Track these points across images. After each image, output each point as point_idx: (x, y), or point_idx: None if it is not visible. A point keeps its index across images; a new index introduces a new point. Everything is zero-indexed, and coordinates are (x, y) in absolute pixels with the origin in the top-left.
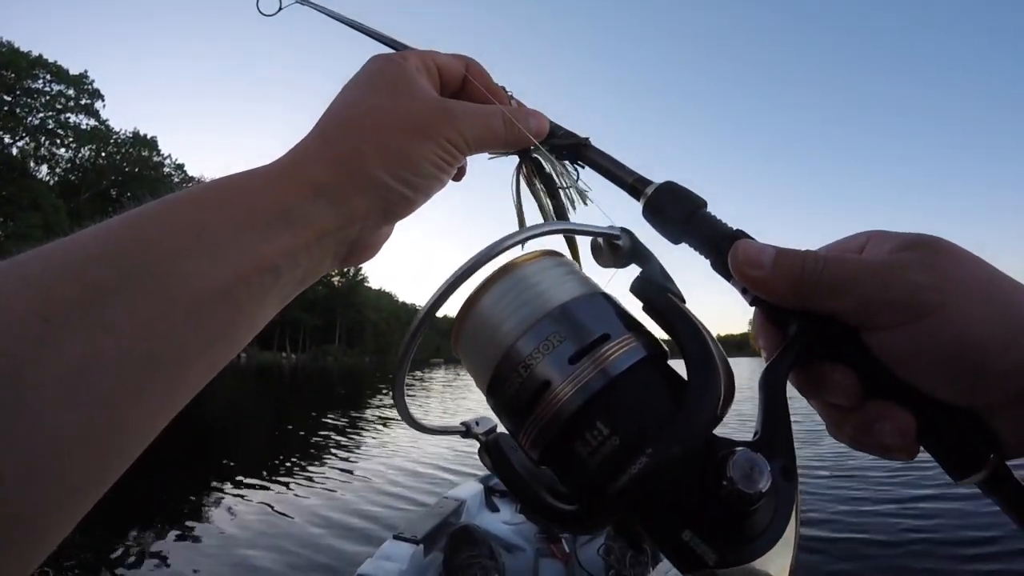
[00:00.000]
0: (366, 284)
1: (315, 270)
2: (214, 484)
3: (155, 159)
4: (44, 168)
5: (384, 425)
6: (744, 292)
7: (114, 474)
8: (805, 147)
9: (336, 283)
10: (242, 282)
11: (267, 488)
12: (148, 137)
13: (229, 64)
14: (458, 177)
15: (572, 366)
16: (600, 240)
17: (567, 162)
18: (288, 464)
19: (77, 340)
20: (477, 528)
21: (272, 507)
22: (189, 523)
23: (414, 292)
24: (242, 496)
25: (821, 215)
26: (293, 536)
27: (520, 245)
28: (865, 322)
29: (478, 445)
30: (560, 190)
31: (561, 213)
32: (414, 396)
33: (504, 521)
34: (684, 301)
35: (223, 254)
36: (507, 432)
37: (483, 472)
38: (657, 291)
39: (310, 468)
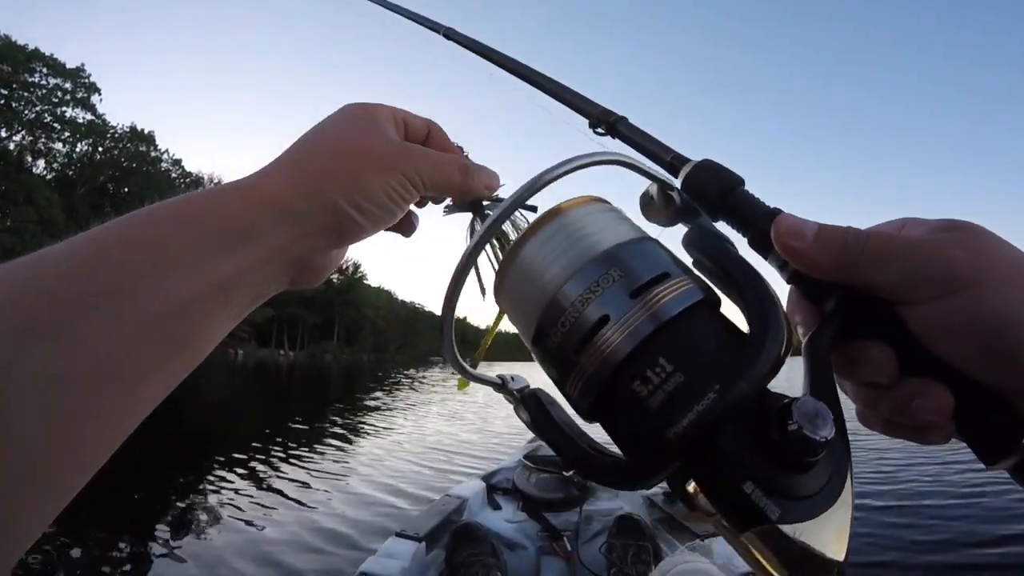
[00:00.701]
0: (365, 281)
1: (267, 288)
2: (212, 483)
3: (152, 154)
4: (41, 163)
5: (384, 424)
6: (782, 268)
7: (81, 480)
8: (839, 129)
9: (335, 280)
10: (199, 300)
11: (267, 487)
12: (145, 132)
13: (228, 58)
14: (408, 232)
15: (633, 300)
16: (653, 193)
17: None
18: (288, 463)
19: (50, 353)
20: (479, 526)
21: (273, 506)
22: (188, 521)
23: (413, 290)
24: (240, 496)
25: (853, 202)
26: (295, 535)
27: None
28: (903, 296)
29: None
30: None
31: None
32: (410, 396)
33: (506, 519)
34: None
35: (183, 272)
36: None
37: (485, 470)
38: (717, 239)
39: (311, 467)
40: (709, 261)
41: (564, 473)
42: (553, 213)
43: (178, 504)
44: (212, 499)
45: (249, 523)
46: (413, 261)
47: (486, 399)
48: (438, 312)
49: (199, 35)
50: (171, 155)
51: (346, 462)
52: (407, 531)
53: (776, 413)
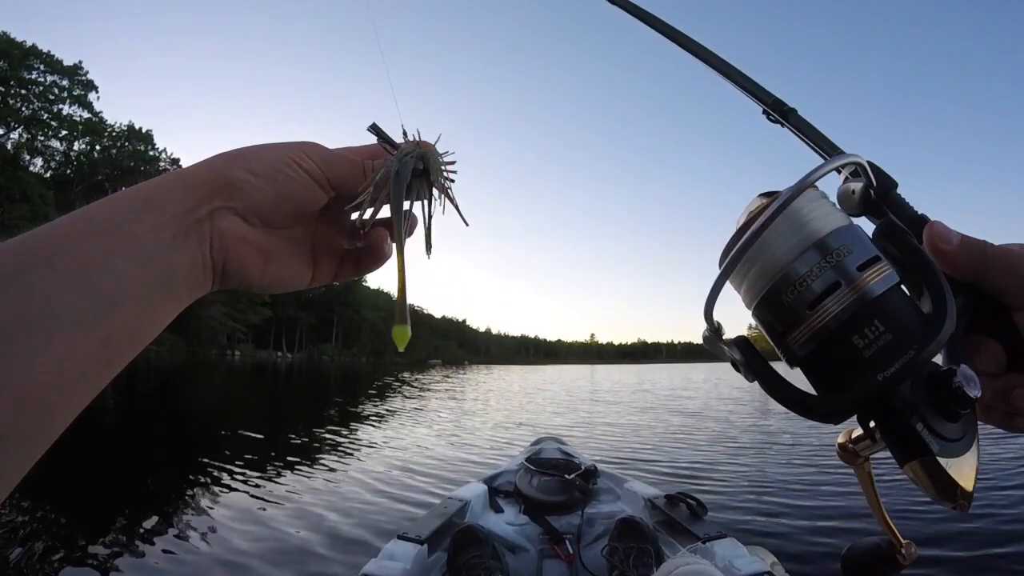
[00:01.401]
0: (364, 283)
1: (182, 256)
2: (212, 485)
3: (151, 153)
4: (39, 161)
5: (385, 425)
6: None
7: (39, 433)
8: None
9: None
10: (117, 256)
11: (268, 488)
12: (143, 131)
13: (226, 58)
14: (378, 258)
15: (860, 273)
16: (856, 190)
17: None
18: (290, 465)
19: (3, 301)
20: (481, 528)
21: (275, 507)
22: (188, 522)
23: (414, 292)
24: (241, 497)
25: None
26: (297, 536)
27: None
28: (1018, 304)
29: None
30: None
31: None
32: (411, 399)
33: (508, 522)
34: None
35: (104, 235)
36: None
37: (487, 473)
38: (906, 234)
39: (313, 469)
40: (899, 251)
41: (566, 476)
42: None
43: (176, 505)
44: (209, 500)
45: (248, 525)
46: (414, 263)
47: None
48: (437, 315)
49: (197, 34)
50: (169, 154)
51: (348, 463)
52: (409, 533)
53: (944, 372)
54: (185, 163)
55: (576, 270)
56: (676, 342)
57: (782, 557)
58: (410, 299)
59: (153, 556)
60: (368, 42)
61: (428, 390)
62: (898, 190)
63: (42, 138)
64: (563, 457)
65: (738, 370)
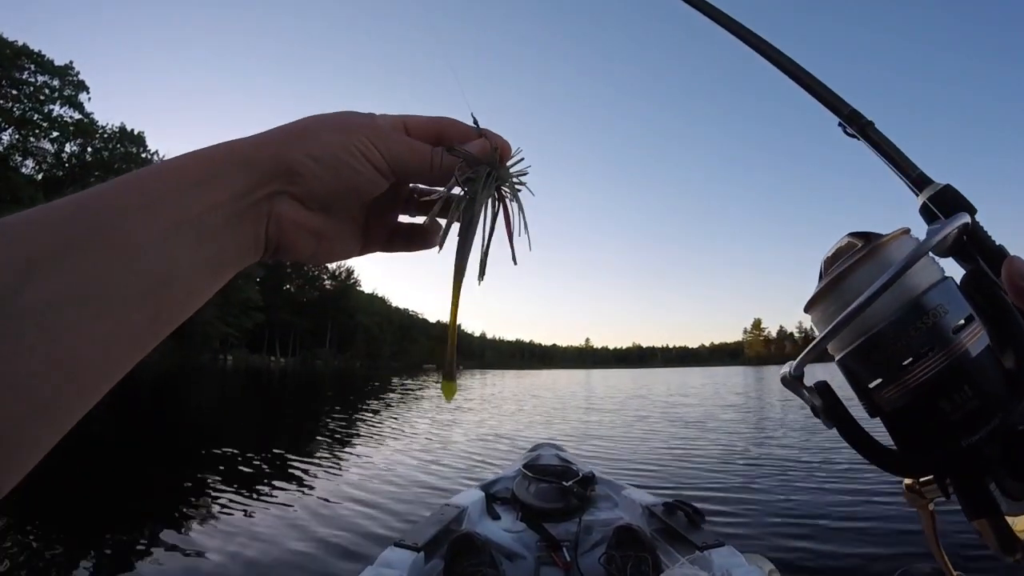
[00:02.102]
0: (358, 288)
1: (236, 236)
2: (204, 492)
3: (143, 155)
4: (30, 163)
5: (382, 431)
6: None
7: (76, 403)
8: None
9: (328, 286)
10: (170, 235)
11: (261, 496)
12: (136, 132)
13: (219, 59)
14: (428, 247)
15: (955, 336)
16: (951, 239)
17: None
18: (284, 472)
19: (53, 280)
20: (478, 536)
21: (268, 515)
22: (180, 531)
23: (407, 297)
24: (234, 506)
25: None
26: (291, 544)
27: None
28: None
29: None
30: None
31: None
32: (405, 405)
33: (505, 529)
34: None
35: (153, 212)
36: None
37: (484, 480)
38: (996, 287)
39: (307, 476)
40: (989, 305)
41: (564, 483)
42: (879, 246)
43: (167, 514)
44: (201, 508)
45: (241, 534)
46: (407, 267)
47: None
48: (432, 319)
49: (190, 34)
50: (161, 156)
51: (344, 469)
52: (405, 540)
53: (1021, 436)
54: None
55: (572, 274)
56: (672, 346)
57: (779, 565)
58: (404, 304)
59: (144, 567)
60: (375, 39)
61: (422, 398)
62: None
63: (32, 139)
64: (561, 464)
65: (817, 415)
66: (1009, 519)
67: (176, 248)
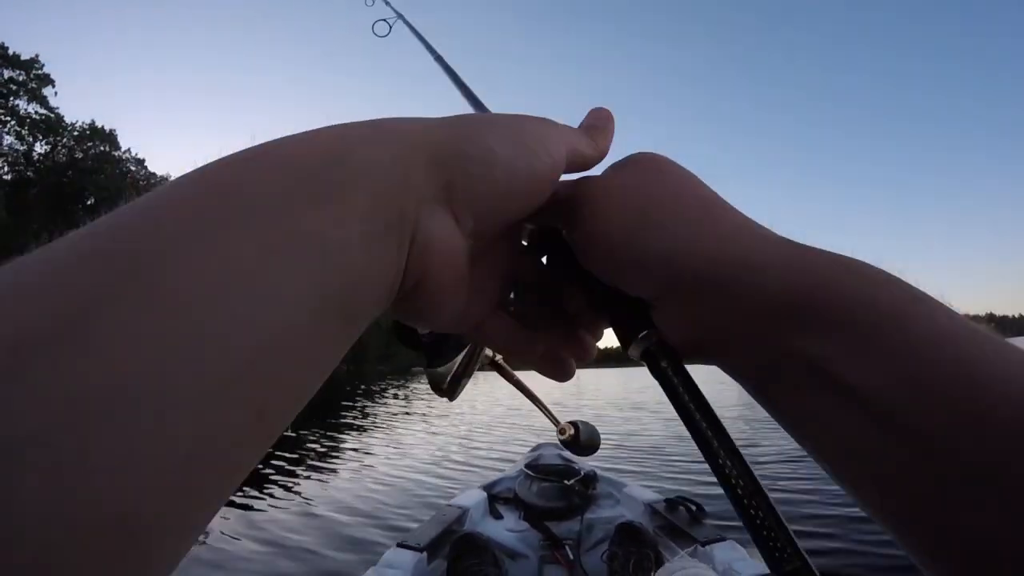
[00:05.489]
0: None
1: (380, 275)
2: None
3: (115, 153)
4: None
5: (378, 435)
6: None
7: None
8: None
9: None
10: (279, 256)
11: (263, 498)
12: (107, 130)
13: (198, 56)
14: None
15: None
16: None
17: None
18: (284, 475)
19: (58, 374)
20: (480, 536)
21: (271, 518)
22: None
23: None
24: (235, 507)
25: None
26: (295, 546)
27: None
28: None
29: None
30: None
31: None
32: (414, 409)
33: (507, 529)
34: None
35: (255, 223)
36: None
37: (486, 480)
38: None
39: (308, 479)
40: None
41: (565, 482)
42: None
43: None
44: None
45: (244, 536)
46: None
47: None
48: None
49: (165, 29)
50: (133, 154)
51: (348, 470)
52: (408, 541)
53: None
54: (152, 166)
55: None
56: None
57: None
58: None
59: None
60: (353, 34)
61: (415, 400)
62: None
63: None
64: (562, 463)
65: None
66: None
67: (286, 278)
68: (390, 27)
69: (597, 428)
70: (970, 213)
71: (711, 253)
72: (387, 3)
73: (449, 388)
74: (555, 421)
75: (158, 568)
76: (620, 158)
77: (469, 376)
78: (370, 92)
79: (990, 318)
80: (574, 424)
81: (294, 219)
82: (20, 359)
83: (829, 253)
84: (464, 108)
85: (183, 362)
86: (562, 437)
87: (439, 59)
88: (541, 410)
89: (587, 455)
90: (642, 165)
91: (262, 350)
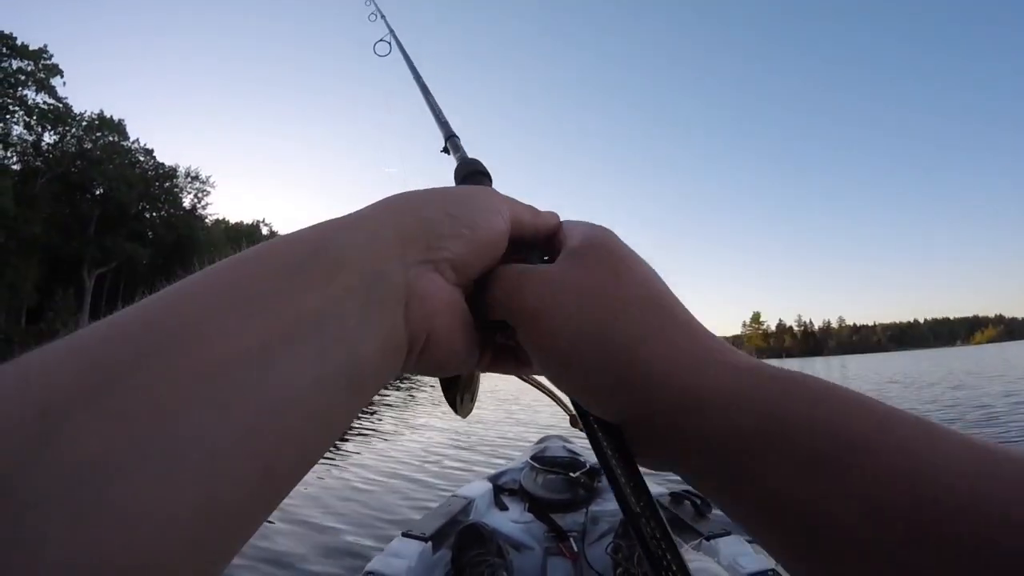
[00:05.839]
0: None
1: (382, 342)
2: None
3: (123, 143)
4: (8, 152)
5: (390, 422)
6: None
7: None
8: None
9: None
10: (280, 341)
11: None
12: (115, 120)
13: (208, 51)
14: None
15: None
16: None
17: None
18: None
19: (82, 435)
20: (485, 526)
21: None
22: None
23: None
24: None
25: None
26: (300, 533)
27: None
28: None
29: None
30: None
31: None
32: (416, 398)
33: (513, 520)
34: None
35: (254, 311)
36: None
37: (491, 471)
38: None
39: (318, 464)
40: None
41: (571, 475)
42: None
43: None
44: None
45: None
46: None
47: None
48: None
49: (173, 20)
50: (142, 144)
51: (354, 459)
52: (413, 531)
53: None
54: (160, 156)
55: None
56: None
57: None
58: None
59: None
60: (362, 25)
61: (416, 392)
62: None
63: (2, 125)
64: (568, 455)
65: None
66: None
67: (288, 360)
68: (390, 47)
69: None
70: (977, 211)
71: (683, 383)
72: (386, 24)
73: (461, 409)
74: (566, 409)
75: None
76: (575, 220)
77: (473, 392)
78: (370, 86)
79: (999, 320)
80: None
81: (293, 304)
82: (49, 422)
83: (788, 379)
84: (436, 136)
85: (194, 426)
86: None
87: (424, 88)
88: (552, 398)
89: None
90: (596, 257)
91: (268, 414)
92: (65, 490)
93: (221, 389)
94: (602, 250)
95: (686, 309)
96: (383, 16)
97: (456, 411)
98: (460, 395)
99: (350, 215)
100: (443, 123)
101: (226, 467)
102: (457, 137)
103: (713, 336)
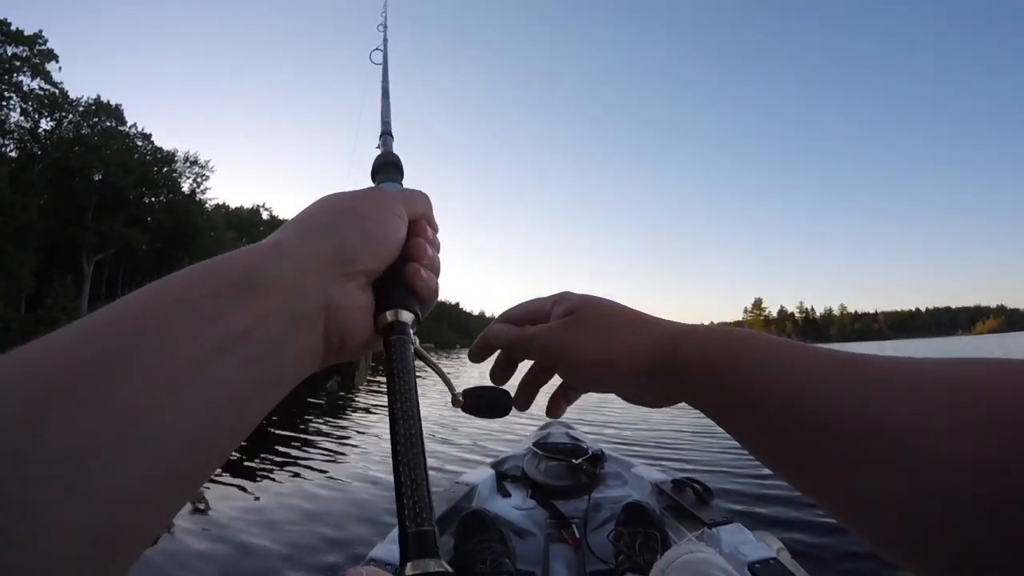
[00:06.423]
0: None
1: (301, 352)
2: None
3: (120, 129)
4: (4, 139)
5: (382, 414)
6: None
7: (131, 550)
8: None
9: None
10: (214, 355)
11: (268, 477)
12: (113, 105)
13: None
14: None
15: None
16: None
17: None
18: (290, 452)
19: (68, 422)
20: (488, 513)
21: (276, 495)
22: (184, 515)
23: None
24: (240, 485)
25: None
26: (302, 522)
27: None
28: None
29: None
30: None
31: None
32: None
33: (515, 506)
34: None
35: (193, 328)
36: None
37: (494, 458)
38: None
39: (314, 455)
40: None
41: (573, 461)
42: None
43: None
44: (208, 491)
45: (249, 513)
46: None
47: None
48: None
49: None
50: (140, 129)
51: (356, 448)
52: None
53: None
54: (158, 141)
55: (568, 254)
56: None
57: (788, 543)
58: None
59: (149, 549)
60: (353, 20)
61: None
62: None
63: (2, 111)
64: (570, 442)
65: None
66: None
67: (221, 370)
68: (383, 57)
69: (508, 391)
70: (980, 202)
71: (666, 342)
72: (385, 36)
73: (359, 378)
74: (451, 389)
75: (122, 560)
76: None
77: (367, 364)
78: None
79: (1001, 310)
80: (471, 391)
81: (224, 320)
82: (35, 412)
83: (717, 331)
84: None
85: (149, 416)
86: (456, 405)
87: (386, 91)
88: (442, 379)
89: (493, 417)
90: (584, 314)
91: (204, 407)
92: (62, 467)
93: (168, 386)
94: (589, 309)
95: (650, 315)
96: (386, 27)
97: (355, 383)
98: (359, 370)
99: (279, 238)
100: (385, 121)
101: (168, 448)
102: (391, 135)
103: (673, 322)
